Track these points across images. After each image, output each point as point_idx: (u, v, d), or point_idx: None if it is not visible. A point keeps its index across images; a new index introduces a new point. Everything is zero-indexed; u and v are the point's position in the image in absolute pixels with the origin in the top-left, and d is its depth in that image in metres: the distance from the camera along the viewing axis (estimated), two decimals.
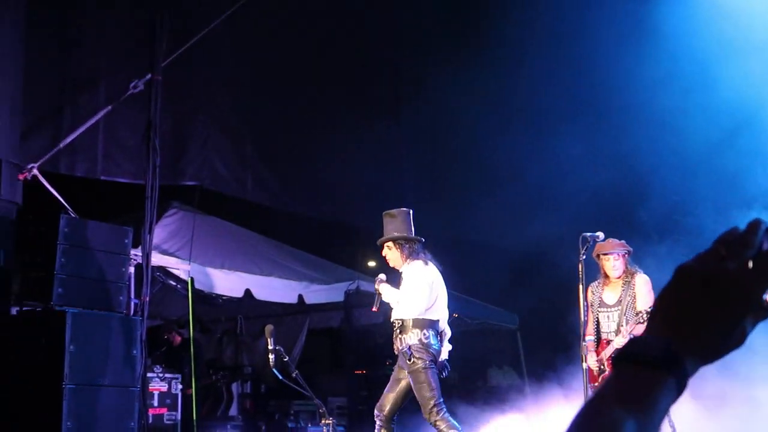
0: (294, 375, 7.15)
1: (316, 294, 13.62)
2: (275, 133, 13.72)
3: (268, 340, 7.33)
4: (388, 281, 8.45)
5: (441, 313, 8.39)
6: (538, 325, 15.36)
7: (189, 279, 11.72)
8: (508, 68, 13.97)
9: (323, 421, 7.71)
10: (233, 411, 13.64)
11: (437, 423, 7.99)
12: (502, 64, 13.93)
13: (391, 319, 8.34)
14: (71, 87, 11.56)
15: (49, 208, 9.84)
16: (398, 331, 8.19)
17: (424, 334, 8.08)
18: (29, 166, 10.38)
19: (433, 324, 8.22)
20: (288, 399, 12.93)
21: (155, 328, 14.06)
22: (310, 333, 15.70)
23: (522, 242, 14.44)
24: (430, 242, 8.69)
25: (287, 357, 7.24)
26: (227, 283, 12.67)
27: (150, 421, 10.47)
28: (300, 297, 13.35)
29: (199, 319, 14.91)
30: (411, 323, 8.12)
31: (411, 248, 8.34)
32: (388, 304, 8.36)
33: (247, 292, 12.79)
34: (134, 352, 9.59)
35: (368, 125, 14.08)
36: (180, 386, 12.00)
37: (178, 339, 13.56)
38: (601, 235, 8.29)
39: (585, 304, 8.37)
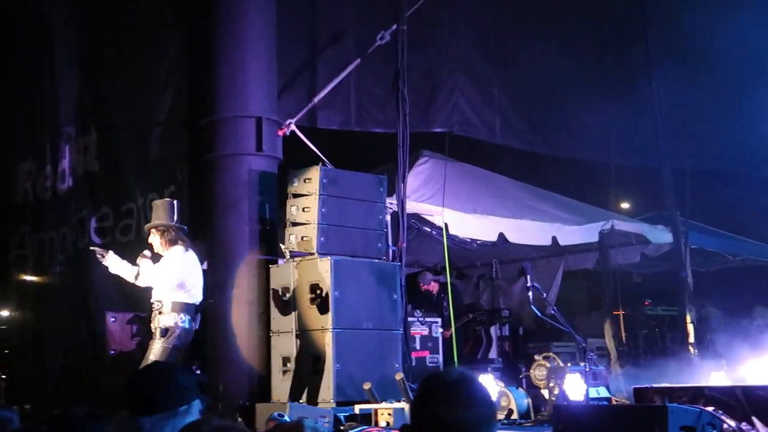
0: (552, 312, 7.23)
1: (570, 235, 13.55)
2: (522, 75, 13.67)
3: (526, 277, 7.44)
4: None
5: (198, 297, 9.09)
6: None
7: (443, 225, 11.94)
8: None
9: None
10: (493, 353, 13.84)
11: None
12: None
13: (151, 300, 8.98)
14: (323, 42, 11.95)
15: (308, 161, 10.27)
16: (157, 311, 8.87)
17: (180, 318, 8.82)
18: (287, 122, 10.89)
19: (188, 308, 8.92)
20: (546, 341, 12.99)
21: (413, 275, 14.45)
22: (566, 275, 15.68)
23: None
24: (680, 176, 8.48)
25: (545, 294, 7.32)
26: (480, 227, 12.83)
27: (413, 363, 10.82)
28: (554, 239, 13.33)
29: (454, 264, 15.20)
30: (170, 306, 8.84)
31: (170, 235, 9.08)
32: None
33: (501, 235, 12.91)
34: (395, 296, 9.96)
35: (616, 60, 13.80)
36: (440, 329, 12.32)
37: (436, 286, 13.85)
38: None
39: None
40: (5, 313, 15.95)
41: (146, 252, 9.16)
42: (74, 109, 13.46)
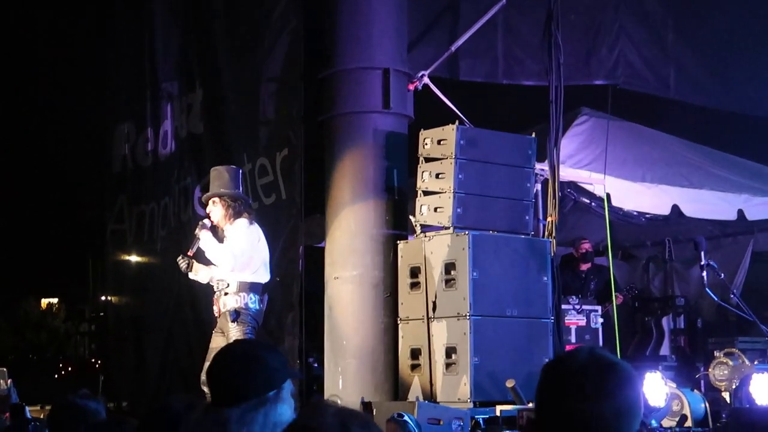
0: (732, 297, 7.06)
1: (760, 208, 13.19)
2: (702, 17, 13.29)
3: (701, 254, 7.27)
4: None
5: (266, 276, 9.19)
6: None
7: (605, 195, 11.77)
8: None
9: None
10: (664, 349, 13.62)
11: None
12: None
13: (215, 280, 9.07)
14: None
15: (444, 120, 10.21)
16: (221, 292, 8.97)
17: (251, 299, 8.96)
18: (419, 75, 10.86)
19: (255, 287, 9.02)
20: (730, 335, 12.66)
21: (568, 256, 14.29)
22: (756, 257, 15.24)
23: None
24: None
25: (722, 274, 7.15)
26: (650, 198, 12.64)
27: None
28: (740, 212, 13.01)
29: (619, 243, 14.95)
30: (236, 286, 8.93)
31: (236, 207, 9.12)
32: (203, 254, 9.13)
33: (675, 208, 12.69)
34: (545, 278, 9.85)
35: None
36: (601, 320, 12.15)
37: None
38: None
39: None
40: (102, 297, 16.37)
41: (206, 221, 9.21)
42: (176, 63, 13.66)
